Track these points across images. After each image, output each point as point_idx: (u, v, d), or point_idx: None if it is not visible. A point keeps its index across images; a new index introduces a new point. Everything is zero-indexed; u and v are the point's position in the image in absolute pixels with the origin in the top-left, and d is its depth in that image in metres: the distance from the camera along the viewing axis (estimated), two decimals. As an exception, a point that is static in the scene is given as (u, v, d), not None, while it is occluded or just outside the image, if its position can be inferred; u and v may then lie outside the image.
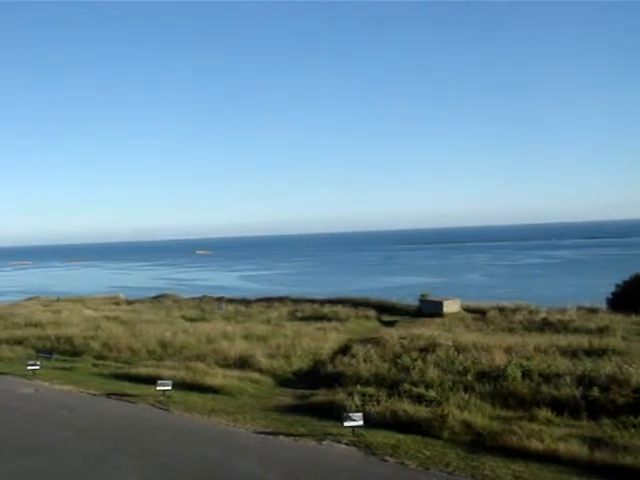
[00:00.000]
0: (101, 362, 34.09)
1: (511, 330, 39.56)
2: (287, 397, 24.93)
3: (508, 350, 27.55)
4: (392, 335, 33.97)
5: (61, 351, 37.33)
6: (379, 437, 18.11)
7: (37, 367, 30.38)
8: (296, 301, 63.16)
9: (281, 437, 18.71)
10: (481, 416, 19.13)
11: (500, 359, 25.55)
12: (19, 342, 40.60)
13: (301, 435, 18.77)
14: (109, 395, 25.68)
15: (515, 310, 48.47)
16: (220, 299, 69.83)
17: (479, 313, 48.98)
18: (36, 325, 47.66)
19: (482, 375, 23.67)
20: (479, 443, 17.39)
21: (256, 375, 27.99)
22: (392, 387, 22.93)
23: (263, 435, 19.01)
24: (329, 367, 28.42)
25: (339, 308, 53.40)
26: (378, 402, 20.93)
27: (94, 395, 25.99)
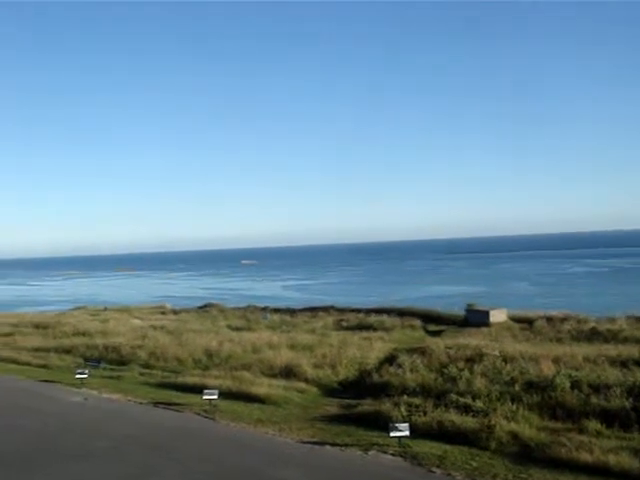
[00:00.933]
0: (148, 371, 34.50)
1: (559, 340, 38.99)
2: (333, 407, 24.94)
3: (556, 360, 27.17)
4: (438, 345, 33.75)
5: (109, 360, 37.87)
6: (425, 448, 18.01)
7: (85, 376, 30.86)
8: (341, 310, 63.08)
9: (327, 447, 18.72)
10: (529, 427, 18.89)
11: (548, 369, 25.21)
12: (68, 351, 41.36)
13: (347, 445, 18.75)
14: (156, 404, 25.99)
15: (563, 319, 47.64)
16: (265, 309, 70.08)
17: (526, 323, 48.26)
18: (84, 334, 48.53)
19: (530, 385, 23.36)
20: (527, 454, 17.18)
21: (302, 385, 28.06)
22: (439, 397, 22.78)
23: (309, 445, 19.05)
24: (375, 377, 28.33)
25: (384, 317, 53.11)
26: (424, 412, 20.82)
27: (141, 404, 26.34)
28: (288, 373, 30.11)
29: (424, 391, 24.27)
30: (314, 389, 27.89)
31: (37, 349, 43.57)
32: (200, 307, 77.53)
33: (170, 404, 25.66)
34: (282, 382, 28.18)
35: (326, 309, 64.62)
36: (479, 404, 21.32)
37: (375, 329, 47.50)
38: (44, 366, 37.58)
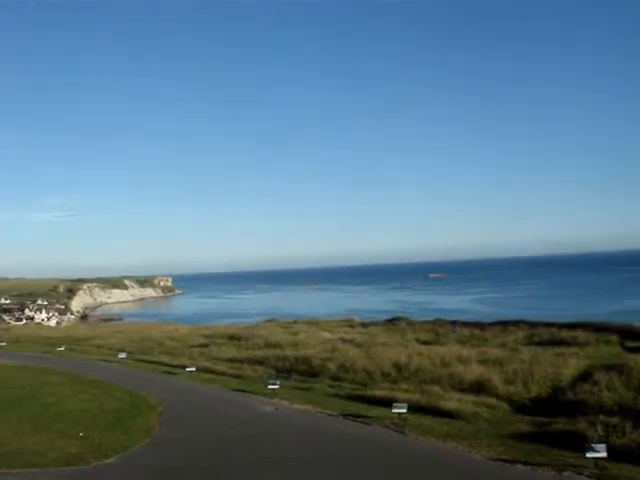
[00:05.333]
0: (337, 383, 35.32)
1: None
2: (524, 424, 24.33)
3: None
4: (638, 362, 31.89)
5: (299, 371, 39.19)
6: (624, 471, 17.19)
7: (277, 386, 32.12)
8: (532, 325, 61.02)
9: (519, 465, 18.35)
10: None
11: None
12: (260, 362, 43.28)
13: (540, 464, 18.28)
14: (345, 416, 26.60)
15: None
16: (454, 322, 69.29)
17: None
18: (275, 346, 50.57)
19: None
20: None
21: (492, 400, 27.59)
22: (639, 417, 21.59)
23: (500, 462, 18.77)
24: (569, 394, 27.30)
25: (578, 332, 50.81)
26: (623, 433, 19.82)
27: (330, 415, 27.05)
28: (478, 388, 29.74)
29: (622, 410, 23.11)
30: (504, 405, 27.33)
31: (231, 360, 46.06)
32: (388, 320, 78.01)
33: (359, 416, 26.18)
34: (472, 397, 27.89)
35: (516, 323, 62.78)
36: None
37: (568, 344, 45.59)
38: (238, 376, 39.66)
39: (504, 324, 63.11)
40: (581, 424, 21.53)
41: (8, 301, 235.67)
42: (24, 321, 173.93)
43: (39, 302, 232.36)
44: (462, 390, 29.62)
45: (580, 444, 18.52)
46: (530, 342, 49.56)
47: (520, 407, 27.47)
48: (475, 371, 32.67)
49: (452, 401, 26.91)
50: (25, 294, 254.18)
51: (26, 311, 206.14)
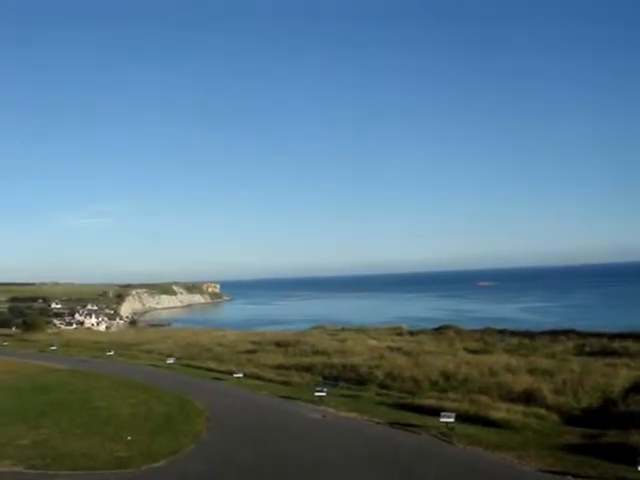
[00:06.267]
0: (385, 391, 35.29)
1: None
2: (574, 435, 24.00)
3: None
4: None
5: (346, 379, 39.25)
6: (679, 486, 16.84)
7: (324, 394, 32.23)
8: (582, 335, 60.03)
9: (568, 477, 18.17)
10: None
11: None
12: (307, 369, 43.44)
13: (590, 477, 18.08)
14: (392, 424, 26.57)
15: None
16: (503, 331, 68.54)
17: None
18: (322, 353, 50.56)
19: None
20: None
21: (541, 411, 27.29)
22: (693, 431, 21.15)
23: (549, 474, 18.59)
24: (621, 406, 26.85)
25: (630, 343, 49.85)
26: (678, 447, 19.42)
27: (378, 423, 27.05)
28: (527, 398, 29.44)
29: (677, 423, 22.64)
30: (554, 416, 27.00)
31: (278, 366, 46.33)
32: (436, 329, 77.46)
33: (407, 425, 26.14)
34: (520, 407, 27.65)
35: (566, 333, 61.87)
36: None
37: (620, 355, 44.75)
38: (285, 383, 39.93)
39: (554, 334, 62.17)
40: (633, 437, 21.16)
41: (59, 306, 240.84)
42: (74, 326, 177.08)
43: (89, 307, 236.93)
44: (511, 400, 29.36)
45: (632, 457, 18.26)
46: (580, 352, 48.78)
47: (570, 418, 27.09)
48: (524, 381, 32.33)
49: (500, 411, 26.71)
50: (75, 299, 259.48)
51: (76, 316, 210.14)
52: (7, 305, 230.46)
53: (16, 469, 19.96)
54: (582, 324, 76.50)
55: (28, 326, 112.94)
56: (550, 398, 29.00)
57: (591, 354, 47.14)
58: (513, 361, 39.68)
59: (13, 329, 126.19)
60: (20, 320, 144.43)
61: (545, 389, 30.20)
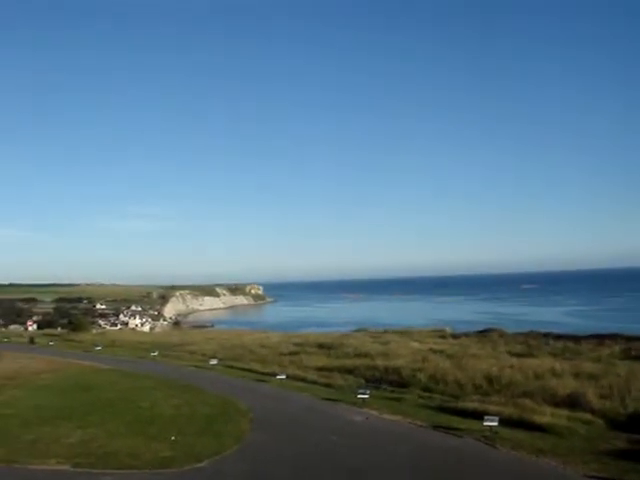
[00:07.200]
0: (427, 394, 35.17)
1: None
2: (621, 441, 23.65)
3: None
4: None
5: (389, 381, 39.20)
6: None
7: (367, 396, 32.29)
8: (629, 339, 59.00)
9: (615, 483, 17.90)
10: None
11: None
12: (350, 371, 43.48)
13: (636, 483, 17.79)
14: (435, 427, 26.52)
15: None
16: (547, 335, 67.69)
17: None
18: (365, 355, 50.54)
19: None
20: None
21: (587, 416, 26.93)
22: None
23: (594, 480, 18.34)
24: (669, 412, 26.37)
25: (679, 347, 48.98)
26: None
27: (421, 426, 26.98)
28: (572, 402, 29.06)
29: None
30: (600, 421, 26.61)
31: (321, 368, 46.43)
32: (480, 332, 76.77)
33: (450, 428, 26.06)
34: (565, 412, 27.33)
35: (612, 337, 60.89)
36: None
37: (669, 359, 44.01)
38: (328, 385, 40.04)
39: (600, 337, 61.12)
40: (681, 443, 20.85)
41: (104, 306, 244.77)
42: (119, 326, 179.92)
43: (133, 308, 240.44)
44: (555, 404, 29.02)
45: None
46: (627, 356, 47.94)
47: (615, 423, 26.64)
48: (569, 385, 31.95)
49: (545, 415, 26.46)
50: (120, 300, 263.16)
51: (121, 316, 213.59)
52: (53, 306, 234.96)
53: (62, 467, 20.42)
54: (629, 328, 75.31)
55: (73, 326, 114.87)
56: (595, 402, 28.60)
57: (638, 358, 46.37)
58: (558, 365, 39.21)
59: (59, 329, 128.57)
60: (65, 320, 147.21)
61: (590, 393, 29.77)
